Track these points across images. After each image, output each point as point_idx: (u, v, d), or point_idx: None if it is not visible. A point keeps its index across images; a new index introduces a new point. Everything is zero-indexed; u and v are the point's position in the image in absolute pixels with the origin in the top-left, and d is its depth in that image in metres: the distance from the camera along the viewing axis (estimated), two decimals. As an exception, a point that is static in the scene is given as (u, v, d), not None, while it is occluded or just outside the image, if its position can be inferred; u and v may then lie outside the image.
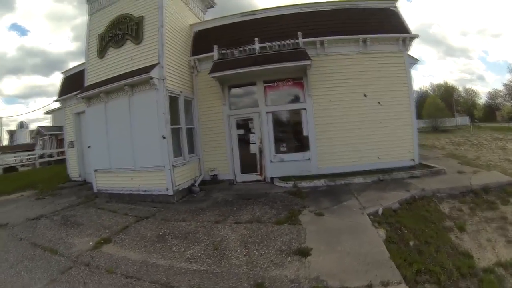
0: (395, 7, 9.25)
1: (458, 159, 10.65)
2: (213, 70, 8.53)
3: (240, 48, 8.70)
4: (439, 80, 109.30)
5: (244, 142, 9.35)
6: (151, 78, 7.55)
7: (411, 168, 8.60)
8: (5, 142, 33.73)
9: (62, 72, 12.46)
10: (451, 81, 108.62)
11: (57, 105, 12.96)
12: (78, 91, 9.20)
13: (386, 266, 3.74)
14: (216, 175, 9.45)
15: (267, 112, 9.08)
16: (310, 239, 4.68)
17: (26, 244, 5.43)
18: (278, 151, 9.14)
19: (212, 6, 11.85)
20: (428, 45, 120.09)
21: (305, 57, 8.11)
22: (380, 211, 5.80)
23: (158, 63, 7.79)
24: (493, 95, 53.22)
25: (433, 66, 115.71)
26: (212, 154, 9.52)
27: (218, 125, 9.39)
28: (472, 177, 7.50)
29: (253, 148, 9.23)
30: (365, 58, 8.92)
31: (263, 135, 9.07)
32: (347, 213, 5.75)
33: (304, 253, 4.20)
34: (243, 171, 9.35)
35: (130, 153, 8.14)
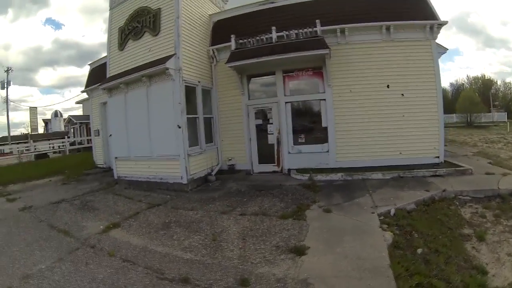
0: (423, -9, 8.57)
1: (489, 158, 9.81)
2: (230, 60, 8.48)
3: (257, 38, 8.52)
4: (477, 72, 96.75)
5: (262, 132, 9.25)
6: (167, 68, 7.63)
7: (435, 165, 8.00)
8: (41, 130, 36.34)
9: (89, 64, 13.06)
10: (490, 74, 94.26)
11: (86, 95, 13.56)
12: (100, 83, 9.51)
13: (383, 275, 3.39)
14: (233, 164, 9.47)
15: (285, 102, 8.89)
16: (310, 237, 4.50)
17: (44, 225, 5.79)
18: (296, 143, 8.93)
19: None
20: (466, 35, 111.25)
21: (323, 45, 7.79)
22: (393, 211, 5.41)
23: (174, 54, 7.86)
24: (534, 90, 47.47)
25: (471, 58, 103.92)
26: (230, 143, 9.54)
27: (236, 114, 9.36)
28: (501, 179, 6.74)
29: (271, 139, 9.12)
30: (389, 47, 8.38)
31: (281, 125, 8.90)
32: (357, 211, 5.46)
33: (300, 251, 4.04)
34: (261, 161, 9.28)
35: (148, 142, 8.34)
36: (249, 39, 8.59)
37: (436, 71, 8.42)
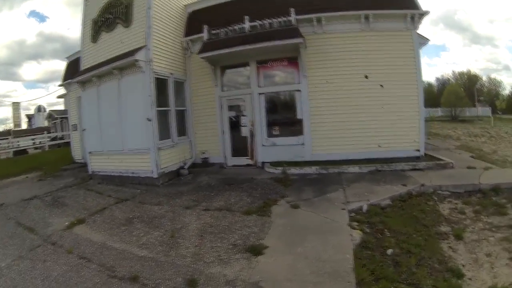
0: (404, -21, 8.50)
1: (471, 152, 9.82)
2: (202, 51, 8.52)
3: (230, 27, 8.54)
4: (463, 68, 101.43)
5: (235, 124, 9.30)
6: (137, 60, 7.69)
7: (415, 159, 7.98)
8: (24, 126, 36.61)
9: (67, 57, 13.17)
10: (476, 70, 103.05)
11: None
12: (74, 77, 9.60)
13: (343, 280, 3.20)
14: (207, 158, 9.55)
15: (259, 94, 8.90)
16: (271, 235, 4.42)
17: (12, 223, 5.89)
18: (270, 135, 8.94)
19: None
20: (453, 31, 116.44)
21: (297, 34, 7.77)
22: (365, 207, 5.32)
23: (145, 46, 7.90)
24: (518, 86, 49.66)
25: (457, 54, 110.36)
26: (204, 136, 9.61)
27: (209, 107, 9.41)
28: (482, 174, 6.73)
29: (245, 131, 9.14)
30: (368, 37, 8.35)
31: (255, 117, 8.92)
32: (326, 207, 5.36)
33: (257, 251, 3.93)
34: (234, 154, 9.34)
35: (120, 136, 8.44)
36: (222, 30, 8.60)
37: (417, 62, 8.37)
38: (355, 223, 4.70)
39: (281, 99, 9.22)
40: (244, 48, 7.96)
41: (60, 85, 13.21)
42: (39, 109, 34.70)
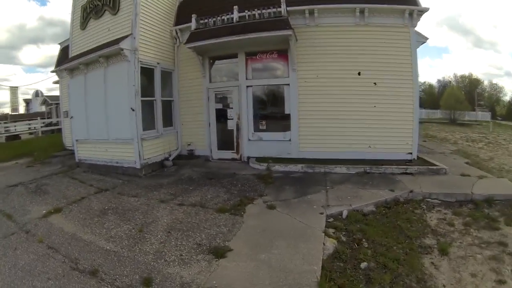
0: (404, -26, 8.31)
1: (467, 158, 9.62)
2: (188, 40, 8.61)
3: (218, 17, 8.56)
4: (464, 71, 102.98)
5: (222, 117, 9.39)
6: (122, 49, 7.80)
7: (406, 162, 7.92)
8: (22, 110, 37.41)
9: (59, 43, 13.42)
10: (478, 73, 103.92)
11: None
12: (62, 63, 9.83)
13: None
14: (192, 150, 9.73)
15: (247, 86, 8.96)
16: (239, 237, 4.42)
17: None
18: (257, 129, 9.02)
19: None
20: (456, 34, 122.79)
21: (285, 26, 7.73)
22: (345, 213, 5.20)
23: (131, 34, 8.03)
24: (520, 93, 50.29)
25: (460, 56, 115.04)
26: (190, 128, 9.77)
27: (197, 98, 9.54)
28: (476, 182, 6.56)
29: (231, 124, 9.24)
30: (363, 32, 8.25)
31: (242, 110, 9.00)
32: (304, 210, 5.30)
33: (220, 253, 3.94)
34: (220, 148, 9.48)
35: (105, 125, 8.64)
36: (210, 19, 8.62)
37: (413, 61, 8.26)
38: (331, 230, 4.61)
39: (270, 93, 9.23)
40: (231, 39, 7.97)
41: (52, 71, 13.54)
42: (37, 94, 35.28)
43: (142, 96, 8.23)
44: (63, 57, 12.28)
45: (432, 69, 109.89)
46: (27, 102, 39.07)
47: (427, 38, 8.63)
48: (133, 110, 7.99)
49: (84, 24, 9.30)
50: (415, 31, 8.31)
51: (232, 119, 9.18)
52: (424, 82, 58.79)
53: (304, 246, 4.06)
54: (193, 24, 8.77)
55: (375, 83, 8.24)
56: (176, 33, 9.55)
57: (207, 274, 3.54)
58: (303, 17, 8.34)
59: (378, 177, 7.15)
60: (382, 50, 8.20)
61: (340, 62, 8.32)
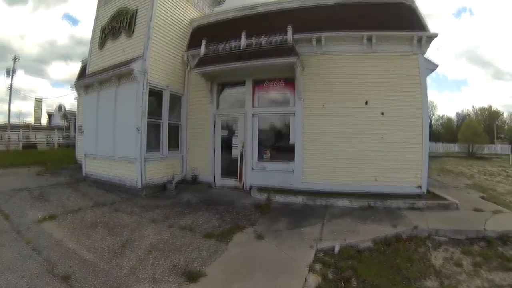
0: (413, 1, 8.53)
1: (483, 192, 9.35)
2: (196, 65, 9.17)
3: (227, 44, 9.00)
4: (484, 103, 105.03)
5: (227, 144, 9.69)
6: (132, 70, 8.50)
7: (415, 197, 7.76)
8: (44, 122, 39.89)
9: (81, 60, 14.54)
10: (498, 106, 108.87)
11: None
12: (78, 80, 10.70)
13: None
14: (197, 175, 10.04)
15: (253, 114, 9.27)
16: (217, 264, 4.47)
17: None
18: (260, 158, 9.24)
19: (220, 3, 12.40)
20: (475, 66, 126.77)
21: (290, 53, 8.07)
22: (337, 248, 5.07)
23: (142, 56, 8.69)
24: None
25: (479, 89, 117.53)
26: (196, 153, 10.12)
27: (203, 124, 9.94)
28: (490, 218, 6.33)
29: (235, 152, 9.51)
30: (370, 60, 8.47)
31: (247, 139, 9.28)
32: (294, 242, 5.28)
33: (193, 277, 4.03)
34: (224, 175, 9.71)
35: (112, 142, 9.29)
36: (219, 45, 9.09)
37: (423, 90, 8.34)
38: (318, 266, 4.49)
39: (275, 121, 9.49)
40: (236, 65, 8.44)
41: (71, 87, 14.70)
42: (60, 108, 37.58)
43: (149, 118, 8.78)
44: (83, 74, 13.32)
45: (451, 103, 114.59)
46: (50, 115, 41.60)
47: (437, 65, 8.66)
48: (138, 130, 8.53)
49: (102, 44, 10.17)
50: (425, 58, 8.43)
51: (237, 147, 9.47)
52: (443, 116, 60.37)
53: (283, 280, 4.01)
54: (202, 50, 9.27)
55: (382, 113, 8.32)
56: (187, 58, 10.13)
57: (173, 298, 3.64)
58: (310, 45, 8.65)
59: (382, 211, 7.08)
60: (390, 78, 8.35)
61: (347, 91, 8.49)
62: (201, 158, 9.96)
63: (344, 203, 7.59)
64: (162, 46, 9.33)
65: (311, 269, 4.35)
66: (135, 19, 9.23)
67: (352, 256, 4.88)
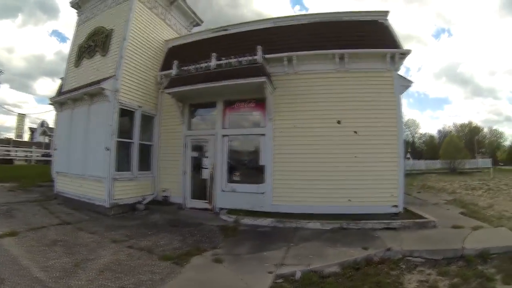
0: (386, 19, 8.89)
1: (463, 207, 9.47)
2: (167, 86, 9.51)
3: (197, 65, 9.30)
4: (465, 120, 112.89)
5: (197, 166, 9.90)
6: (103, 89, 8.87)
7: (390, 216, 7.85)
8: (26, 138, 40.42)
9: (61, 78, 14.94)
10: (478, 121, 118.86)
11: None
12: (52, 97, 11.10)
13: None
14: (167, 196, 10.23)
15: (223, 136, 9.48)
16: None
17: None
18: (231, 180, 9.36)
19: (198, 24, 12.96)
20: (455, 85, 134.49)
21: (259, 73, 8.29)
22: (298, 274, 4.94)
23: (114, 75, 9.07)
24: (520, 137, 52.79)
25: (459, 106, 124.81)
26: (167, 174, 10.33)
27: (175, 144, 10.17)
28: (469, 235, 6.32)
29: (205, 174, 9.68)
30: (343, 78, 8.74)
31: (217, 160, 9.44)
32: (253, 267, 5.24)
33: None
34: (194, 197, 9.84)
35: (83, 160, 9.61)
36: (190, 66, 9.40)
37: (397, 107, 8.57)
38: None
39: (245, 143, 9.69)
40: (205, 85, 8.70)
41: (49, 103, 15.12)
42: (42, 124, 38.14)
43: (119, 137, 9.07)
44: (60, 91, 13.77)
45: (434, 121, 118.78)
46: (32, 130, 42.40)
47: (411, 82, 8.97)
48: (107, 149, 8.80)
49: (78, 62, 10.64)
50: (399, 75, 8.68)
51: (207, 168, 9.65)
52: (425, 134, 64.09)
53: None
54: (174, 70, 9.61)
55: (355, 132, 8.47)
56: (161, 79, 10.50)
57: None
58: (282, 64, 8.90)
59: (354, 233, 7.05)
60: (364, 96, 8.56)
61: (319, 110, 8.68)
62: (173, 179, 10.15)
63: (315, 225, 7.58)
64: (135, 66, 9.74)
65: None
66: (110, 38, 9.68)
67: (314, 282, 4.76)
